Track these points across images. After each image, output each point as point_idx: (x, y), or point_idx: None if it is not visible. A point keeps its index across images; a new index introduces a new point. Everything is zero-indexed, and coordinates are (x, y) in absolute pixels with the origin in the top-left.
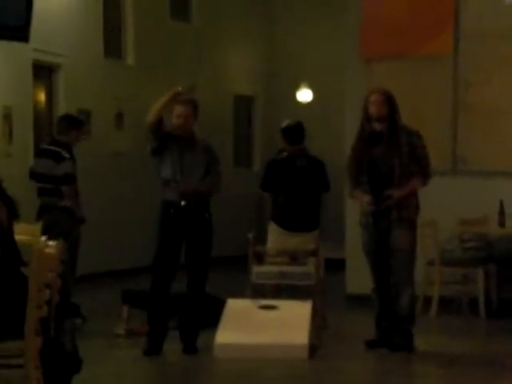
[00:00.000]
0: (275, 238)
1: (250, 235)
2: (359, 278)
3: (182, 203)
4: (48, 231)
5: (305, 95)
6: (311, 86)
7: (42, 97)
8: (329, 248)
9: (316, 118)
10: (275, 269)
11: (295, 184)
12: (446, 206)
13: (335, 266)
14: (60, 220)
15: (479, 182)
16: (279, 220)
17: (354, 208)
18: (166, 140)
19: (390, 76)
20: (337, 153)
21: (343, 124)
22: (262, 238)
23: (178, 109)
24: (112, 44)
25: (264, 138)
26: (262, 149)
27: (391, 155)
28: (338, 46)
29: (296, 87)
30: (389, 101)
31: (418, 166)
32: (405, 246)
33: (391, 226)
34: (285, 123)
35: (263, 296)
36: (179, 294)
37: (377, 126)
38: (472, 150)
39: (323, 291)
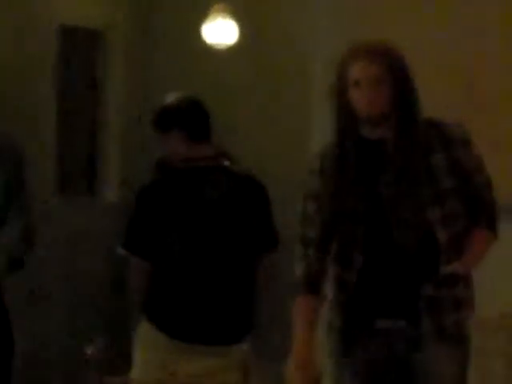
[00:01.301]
0: (152, 356)
1: (91, 349)
2: None
3: None
4: None
5: (221, 32)
6: (236, 14)
7: None
8: (276, 377)
9: (248, 84)
10: None
11: (199, 237)
12: None
13: None
14: None
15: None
16: (162, 318)
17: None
18: None
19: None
20: (296, 162)
21: (308, 98)
22: (121, 356)
23: None
24: None
25: (126, 129)
26: (123, 153)
27: (419, 196)
28: None
29: (201, 15)
30: (393, 74)
31: (470, 205)
32: (447, 378)
33: (416, 345)
34: (169, 100)
35: None
36: None
37: (371, 132)
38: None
39: None
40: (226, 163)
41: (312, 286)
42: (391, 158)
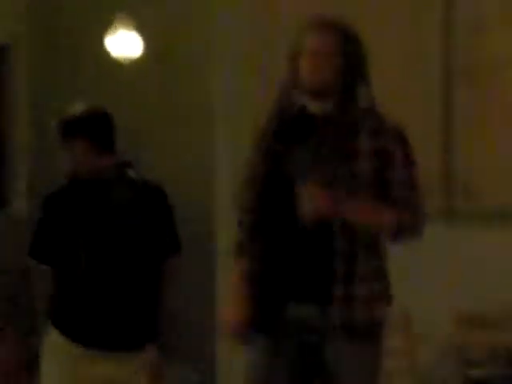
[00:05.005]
0: (58, 364)
1: None
2: None
3: None
4: None
5: (125, 44)
6: (141, 29)
7: None
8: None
9: (151, 94)
10: None
11: (102, 244)
12: (431, 289)
13: None
14: None
15: (501, 234)
16: (66, 324)
17: None
18: None
19: None
20: (200, 174)
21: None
22: (30, 365)
23: None
24: None
25: (34, 139)
26: (30, 165)
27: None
28: None
29: (104, 27)
30: (345, 50)
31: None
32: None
33: (326, 337)
34: (74, 109)
35: None
36: None
37: (313, 106)
38: (484, 170)
39: None
40: (130, 173)
41: (240, 250)
42: (327, 138)
